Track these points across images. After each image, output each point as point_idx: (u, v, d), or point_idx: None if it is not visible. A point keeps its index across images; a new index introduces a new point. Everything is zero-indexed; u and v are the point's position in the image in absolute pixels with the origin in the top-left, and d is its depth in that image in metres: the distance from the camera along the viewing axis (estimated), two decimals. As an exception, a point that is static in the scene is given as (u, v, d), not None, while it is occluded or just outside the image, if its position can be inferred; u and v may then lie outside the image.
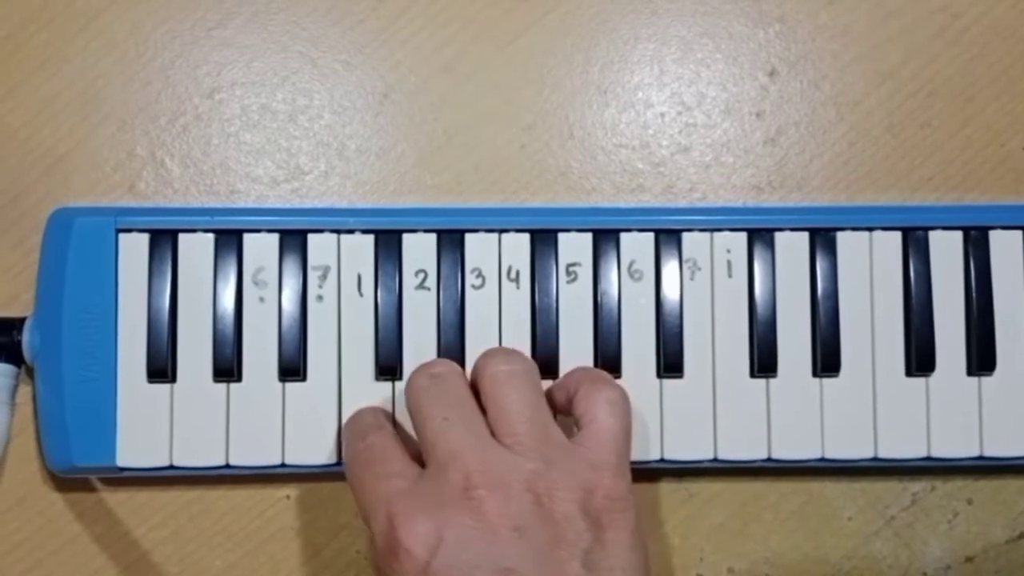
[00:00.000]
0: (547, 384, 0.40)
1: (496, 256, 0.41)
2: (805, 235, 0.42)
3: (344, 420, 0.40)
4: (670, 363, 0.41)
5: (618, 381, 0.41)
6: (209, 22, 0.44)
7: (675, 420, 0.41)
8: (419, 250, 0.41)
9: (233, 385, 0.40)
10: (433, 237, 0.41)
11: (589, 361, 0.41)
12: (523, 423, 0.35)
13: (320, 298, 0.41)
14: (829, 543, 0.44)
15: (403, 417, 0.40)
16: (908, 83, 0.45)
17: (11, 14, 0.44)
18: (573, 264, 0.41)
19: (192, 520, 0.42)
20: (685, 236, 0.41)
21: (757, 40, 0.45)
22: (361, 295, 0.41)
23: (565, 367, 0.41)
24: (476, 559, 0.32)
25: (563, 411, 0.39)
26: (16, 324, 0.40)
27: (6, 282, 0.43)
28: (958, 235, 0.42)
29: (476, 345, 0.41)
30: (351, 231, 0.41)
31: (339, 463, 0.40)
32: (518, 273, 0.41)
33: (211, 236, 0.41)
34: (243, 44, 0.44)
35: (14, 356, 0.40)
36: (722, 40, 0.45)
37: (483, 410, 0.37)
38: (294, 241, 0.41)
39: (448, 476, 0.34)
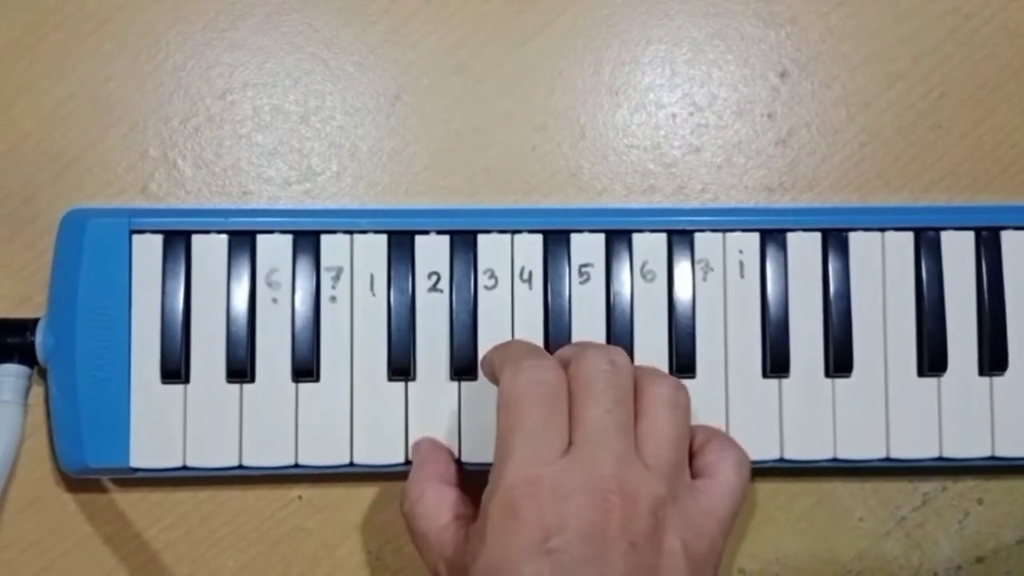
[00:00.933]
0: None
1: (509, 257, 0.41)
2: (817, 235, 0.42)
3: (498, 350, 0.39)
4: (683, 363, 0.41)
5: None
6: (221, 24, 0.44)
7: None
8: (432, 251, 0.41)
9: (246, 386, 0.40)
10: (446, 238, 0.41)
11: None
12: (669, 452, 0.36)
13: (333, 299, 0.41)
14: (840, 543, 0.44)
15: (421, 416, 0.40)
16: (919, 84, 0.45)
17: (23, 16, 0.44)
18: (585, 265, 0.41)
19: (204, 521, 0.42)
20: (697, 237, 0.42)
21: (768, 41, 0.45)
22: (374, 296, 0.41)
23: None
24: (589, 557, 0.33)
25: None
26: (29, 325, 0.41)
27: (19, 283, 0.43)
28: (970, 235, 0.42)
29: (489, 346, 0.41)
30: (364, 232, 0.41)
31: (352, 464, 0.40)
32: (531, 274, 0.41)
33: (224, 237, 0.41)
34: (255, 46, 0.44)
35: (27, 357, 0.40)
36: (733, 41, 0.45)
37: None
38: (307, 242, 0.41)
39: (594, 468, 0.34)
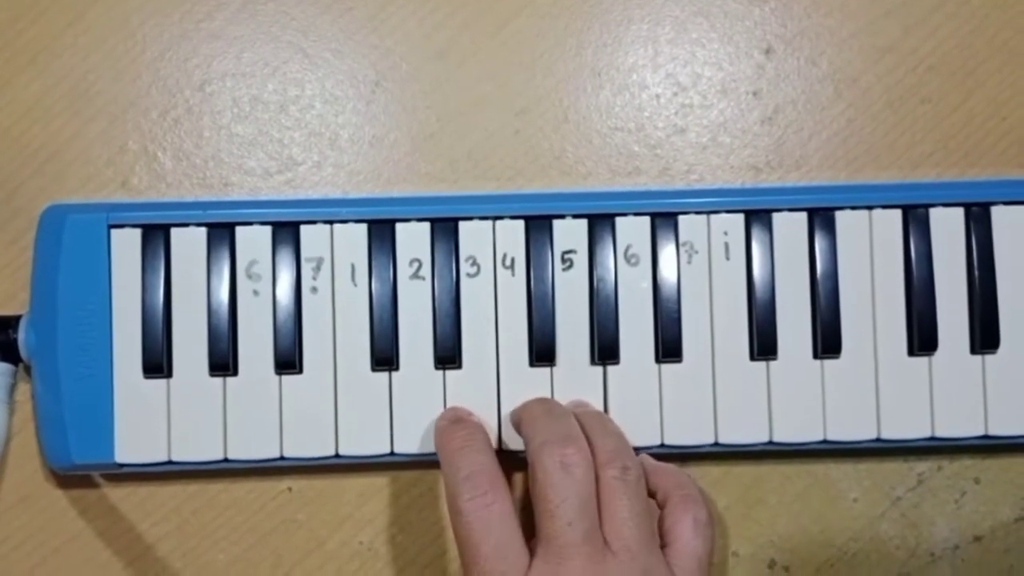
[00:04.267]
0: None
1: (491, 244, 0.41)
2: (803, 215, 0.41)
3: (441, 433, 0.39)
4: (669, 348, 0.41)
5: (616, 367, 0.41)
6: (198, 14, 0.44)
7: (675, 405, 0.41)
8: (413, 239, 0.41)
9: (229, 379, 0.40)
10: (427, 226, 0.41)
11: (586, 348, 0.41)
12: (632, 530, 0.36)
13: (314, 290, 0.41)
14: (835, 525, 0.43)
15: (405, 406, 0.40)
16: (907, 58, 0.44)
17: (-1, 12, 0.43)
18: (568, 251, 0.41)
19: (195, 514, 0.42)
20: (682, 219, 0.41)
21: (752, 18, 0.44)
22: (355, 286, 0.41)
23: (563, 355, 0.41)
24: None
25: (650, 496, 0.39)
26: (11, 322, 0.40)
27: (2, 281, 0.43)
28: (959, 211, 0.41)
29: (472, 335, 0.40)
30: (344, 221, 0.41)
31: (338, 455, 0.40)
32: (513, 260, 0.41)
33: (203, 230, 0.40)
34: (232, 35, 0.44)
35: (11, 354, 0.40)
36: (717, 19, 0.44)
37: None
38: (287, 233, 0.41)
39: None
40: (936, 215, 0.41)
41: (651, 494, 0.39)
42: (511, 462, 0.41)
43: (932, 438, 0.41)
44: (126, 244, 0.40)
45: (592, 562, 0.35)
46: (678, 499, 0.38)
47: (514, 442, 0.40)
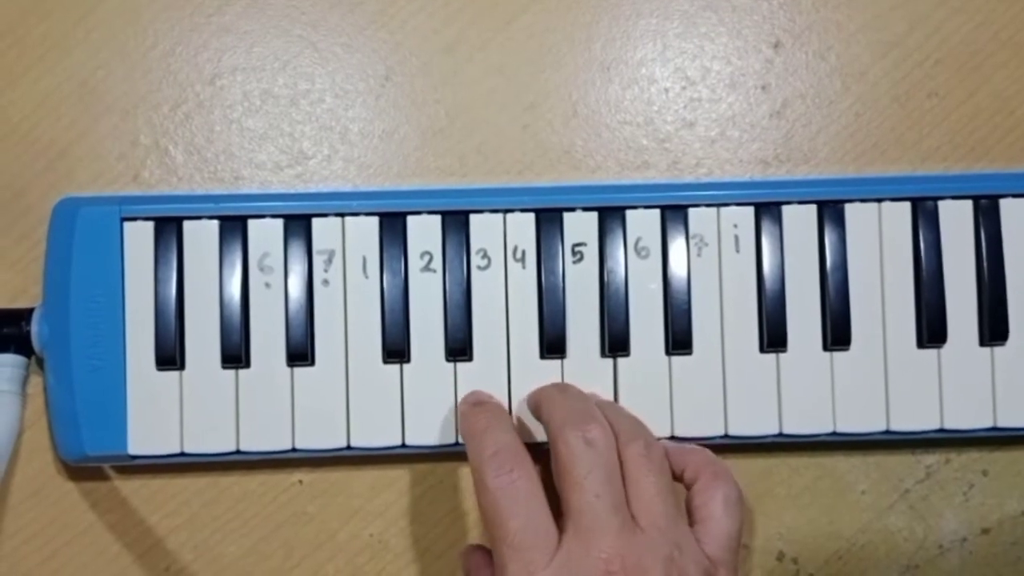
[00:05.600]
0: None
1: (501, 237, 0.41)
2: (813, 208, 0.41)
3: (463, 413, 0.39)
4: (679, 340, 0.41)
5: (626, 359, 0.41)
6: (208, 8, 0.44)
7: (684, 397, 0.41)
8: (424, 232, 0.41)
9: (242, 371, 0.40)
10: (438, 219, 0.41)
11: (596, 340, 0.41)
12: (659, 507, 0.36)
13: (326, 282, 0.41)
14: (843, 518, 0.43)
15: (416, 398, 0.40)
16: (914, 52, 0.44)
17: (9, 8, 0.43)
18: (579, 243, 0.41)
19: (206, 506, 0.43)
20: (691, 212, 0.41)
21: (761, 12, 0.44)
22: (367, 278, 0.41)
23: (573, 347, 0.41)
24: None
25: (675, 479, 0.39)
26: (24, 315, 0.41)
27: (14, 275, 0.43)
28: (968, 204, 0.41)
29: (483, 327, 0.41)
30: (355, 214, 0.41)
31: (349, 447, 0.40)
32: (524, 253, 0.41)
33: (215, 223, 0.41)
34: (243, 30, 0.44)
35: (24, 347, 0.41)
36: (725, 13, 0.44)
37: None
38: (298, 226, 0.41)
39: (591, 554, 0.34)
40: (945, 208, 0.41)
41: (678, 476, 0.39)
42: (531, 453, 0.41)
43: (941, 430, 0.41)
44: (138, 237, 0.40)
45: (622, 537, 0.35)
46: (708, 476, 0.38)
47: (527, 434, 0.40)
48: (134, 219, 0.40)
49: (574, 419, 0.37)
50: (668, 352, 0.41)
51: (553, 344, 0.41)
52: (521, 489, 0.35)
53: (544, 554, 0.35)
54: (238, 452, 0.40)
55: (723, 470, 0.38)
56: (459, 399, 0.41)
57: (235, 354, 0.40)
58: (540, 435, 0.40)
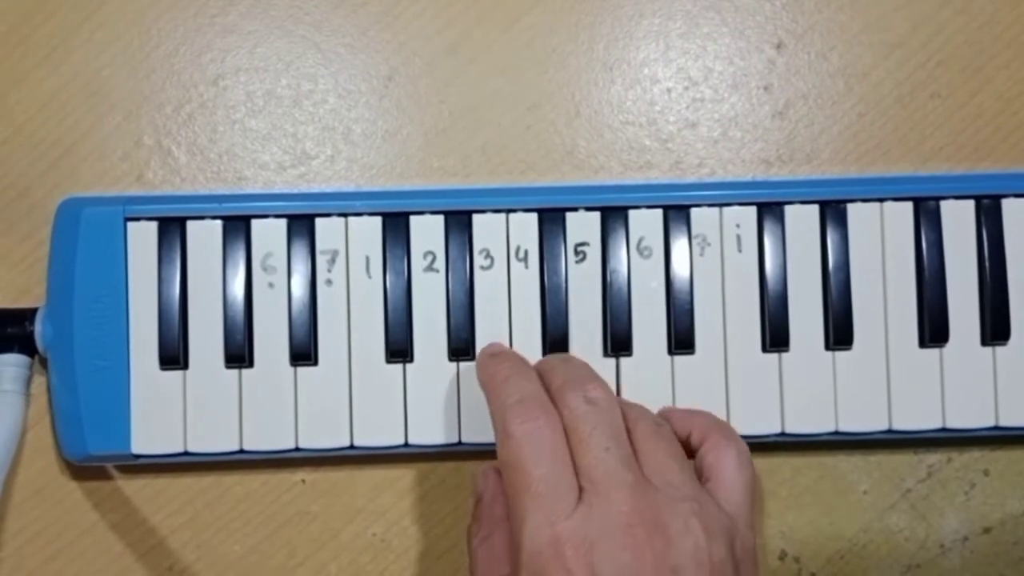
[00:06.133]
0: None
1: (504, 237, 0.41)
2: (815, 208, 0.41)
3: (481, 368, 0.38)
4: (681, 340, 0.41)
5: (629, 359, 0.41)
6: (212, 9, 0.44)
7: (686, 397, 0.41)
8: (427, 232, 0.41)
9: (245, 371, 0.40)
10: (441, 219, 0.41)
11: (599, 340, 0.41)
12: (672, 465, 0.35)
13: (329, 282, 0.41)
14: (845, 517, 0.43)
15: (419, 397, 0.40)
16: (917, 53, 0.44)
17: (13, 7, 0.44)
18: (581, 243, 0.41)
19: (209, 506, 0.43)
20: (694, 212, 0.41)
21: (764, 12, 0.45)
22: (370, 278, 0.41)
23: (576, 347, 0.41)
24: None
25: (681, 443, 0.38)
26: (28, 315, 0.41)
27: (18, 275, 0.43)
28: (970, 204, 0.42)
29: (486, 326, 0.41)
30: (358, 214, 0.41)
31: (352, 447, 0.41)
32: (526, 253, 0.41)
33: (219, 223, 0.41)
34: (246, 30, 0.44)
35: (27, 347, 0.41)
36: (728, 13, 0.44)
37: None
38: (302, 226, 0.41)
39: (610, 508, 0.33)
40: (947, 208, 0.41)
41: (683, 439, 0.38)
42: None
43: (943, 429, 0.41)
44: (142, 237, 0.40)
45: (637, 491, 0.33)
46: (717, 435, 0.37)
47: None
48: (138, 219, 0.41)
49: (574, 381, 0.36)
50: (670, 352, 0.41)
51: (555, 344, 0.41)
52: (546, 437, 0.34)
53: (566, 505, 0.33)
54: (241, 451, 0.40)
55: (730, 429, 0.38)
56: (462, 399, 0.41)
57: (238, 354, 0.40)
58: None
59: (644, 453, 0.35)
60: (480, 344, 0.41)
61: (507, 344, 0.41)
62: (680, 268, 0.41)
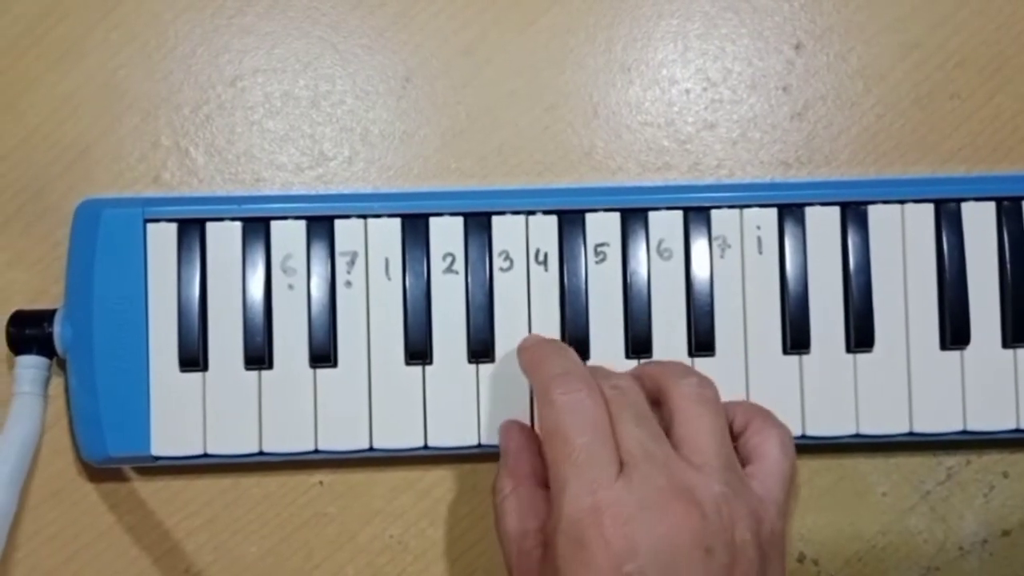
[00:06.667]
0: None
1: (524, 238, 0.41)
2: (836, 209, 0.41)
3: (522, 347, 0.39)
4: (701, 341, 0.41)
5: (648, 360, 0.41)
6: (229, 10, 0.44)
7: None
8: (446, 233, 0.41)
9: (265, 372, 0.40)
10: (460, 220, 0.41)
11: (620, 341, 0.41)
12: (713, 446, 0.35)
13: (348, 284, 0.41)
14: (864, 519, 0.43)
15: (438, 399, 0.40)
16: (935, 54, 0.44)
17: (28, 9, 0.43)
18: (601, 244, 0.41)
19: (226, 508, 0.43)
20: (714, 213, 0.41)
21: (782, 13, 0.44)
22: (389, 279, 0.41)
23: (596, 349, 0.41)
24: (666, 573, 0.33)
25: None
26: (47, 316, 0.41)
27: (34, 276, 0.43)
28: (991, 205, 0.41)
29: (505, 329, 0.41)
30: (378, 216, 0.41)
31: (372, 449, 0.40)
32: (546, 255, 0.41)
33: (238, 224, 0.41)
34: (264, 31, 0.44)
35: (46, 348, 0.40)
36: (747, 14, 0.44)
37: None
38: (321, 227, 0.41)
39: (649, 483, 0.34)
40: (968, 209, 0.41)
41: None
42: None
43: (963, 432, 0.41)
44: (162, 238, 0.40)
45: (673, 474, 0.34)
46: (761, 420, 0.38)
47: None
48: (157, 220, 0.40)
49: (599, 375, 0.37)
50: (691, 353, 0.41)
51: (575, 346, 0.40)
52: (589, 408, 0.35)
53: (607, 476, 0.34)
54: (260, 453, 0.40)
55: (772, 416, 0.38)
56: (481, 401, 0.40)
57: (258, 355, 0.40)
58: None
59: (685, 424, 0.36)
60: (500, 346, 0.41)
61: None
62: (700, 270, 0.41)
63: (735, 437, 0.38)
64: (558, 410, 0.35)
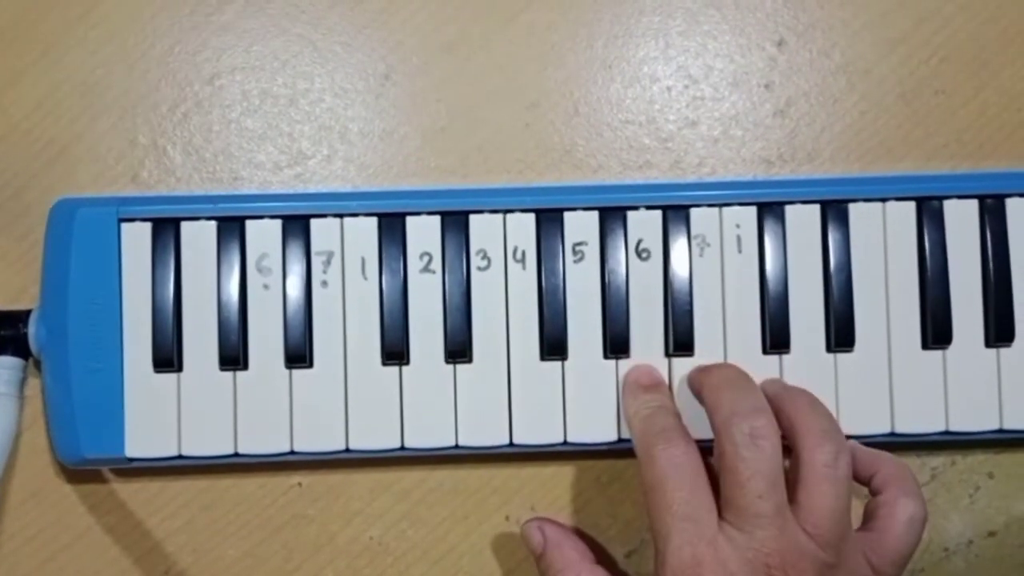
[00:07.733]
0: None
1: (501, 237, 0.41)
2: (816, 208, 0.41)
3: (624, 394, 0.40)
4: (680, 342, 0.40)
5: (627, 361, 0.40)
6: (208, 7, 0.44)
7: (686, 400, 0.40)
8: (423, 233, 0.41)
9: (240, 373, 0.40)
10: (437, 219, 0.41)
11: (598, 341, 0.40)
12: (831, 525, 0.36)
13: (324, 283, 0.40)
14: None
15: (415, 400, 0.40)
16: (920, 49, 0.44)
17: (8, 5, 0.43)
18: (579, 243, 0.41)
19: (205, 509, 0.42)
20: (693, 212, 0.41)
21: (764, 9, 0.44)
22: (365, 279, 0.40)
23: (574, 348, 0.40)
24: None
25: (857, 480, 0.39)
26: (22, 317, 0.40)
27: (12, 275, 0.43)
28: (974, 203, 0.41)
29: (483, 328, 0.40)
30: (354, 215, 0.41)
31: (348, 450, 0.40)
32: (524, 254, 0.41)
33: (213, 224, 0.40)
34: (242, 29, 0.44)
35: (21, 349, 0.40)
36: (728, 10, 0.44)
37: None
38: (296, 227, 0.40)
39: (752, 543, 0.35)
40: (950, 207, 0.41)
41: (864, 480, 0.39)
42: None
43: (946, 432, 0.41)
44: (136, 238, 0.40)
45: (785, 535, 0.35)
46: (897, 491, 0.38)
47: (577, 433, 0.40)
48: (131, 220, 0.40)
49: (740, 412, 0.37)
50: (669, 354, 0.41)
51: (554, 346, 0.40)
52: (688, 464, 0.37)
53: (708, 527, 0.35)
54: (236, 455, 0.40)
55: (914, 488, 0.38)
56: (458, 401, 0.40)
57: (233, 356, 0.40)
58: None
59: (808, 496, 0.36)
60: (477, 346, 0.40)
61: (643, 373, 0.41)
62: (679, 269, 0.40)
63: (872, 492, 0.39)
64: (659, 465, 0.37)
